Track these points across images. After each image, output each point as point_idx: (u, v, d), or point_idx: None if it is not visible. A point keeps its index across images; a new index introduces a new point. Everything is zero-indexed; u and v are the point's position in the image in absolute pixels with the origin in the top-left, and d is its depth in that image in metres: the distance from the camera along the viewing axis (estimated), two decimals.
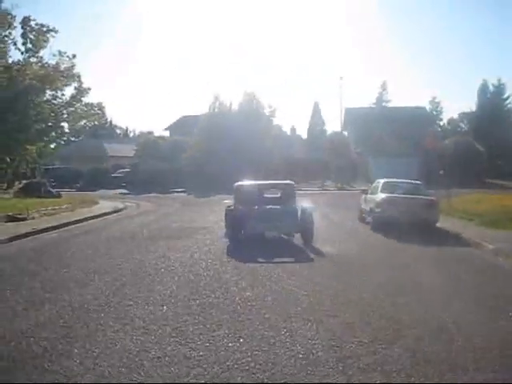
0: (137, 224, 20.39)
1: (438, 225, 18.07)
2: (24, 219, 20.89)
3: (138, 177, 51.42)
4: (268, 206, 15.97)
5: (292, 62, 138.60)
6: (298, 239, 15.21)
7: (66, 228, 19.22)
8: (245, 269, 10.77)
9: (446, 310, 7.66)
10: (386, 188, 19.48)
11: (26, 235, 16.75)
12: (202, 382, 5.17)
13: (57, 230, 18.46)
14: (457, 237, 16.19)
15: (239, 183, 17.62)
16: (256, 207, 15.78)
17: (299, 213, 15.34)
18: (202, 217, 22.73)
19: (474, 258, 13.06)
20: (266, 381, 5.15)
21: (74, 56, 26.87)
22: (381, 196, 18.78)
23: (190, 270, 10.54)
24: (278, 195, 17.63)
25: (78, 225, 20.41)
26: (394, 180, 21.02)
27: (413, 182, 21.29)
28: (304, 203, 16.35)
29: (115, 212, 26.12)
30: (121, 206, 29.20)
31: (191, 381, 5.16)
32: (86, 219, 22.11)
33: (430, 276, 10.32)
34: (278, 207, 16.02)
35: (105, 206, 28.67)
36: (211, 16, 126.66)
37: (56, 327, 6.87)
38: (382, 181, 20.32)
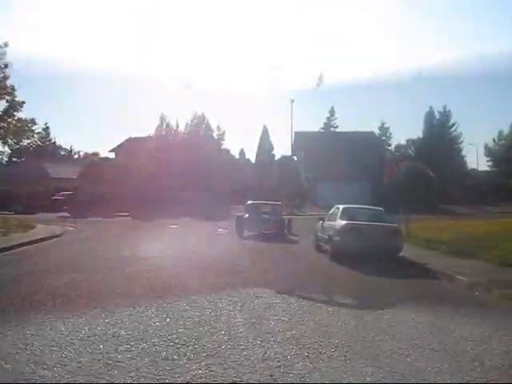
0: (73, 253, 18.47)
1: (400, 254, 16.89)
2: None
3: (81, 200, 49.24)
4: (263, 216, 26.72)
5: (240, 84, 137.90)
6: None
7: None
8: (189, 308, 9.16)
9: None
10: (345, 214, 18.16)
11: None
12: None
13: None
14: (424, 268, 15.02)
15: (249, 202, 28.37)
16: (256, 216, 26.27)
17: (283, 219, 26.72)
18: (146, 244, 21.03)
19: (449, 293, 11.75)
20: None
21: (7, 66, 24.88)
22: (340, 223, 17.47)
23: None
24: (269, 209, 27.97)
25: (5, 253, 18.28)
26: (354, 206, 19.84)
27: (374, 208, 20.08)
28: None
29: (51, 238, 23.95)
30: (59, 230, 27.07)
31: None
32: (17, 246, 20.01)
33: (408, 320, 8.72)
34: (268, 216, 26.68)
35: (41, 230, 26.56)
36: (159, 31, 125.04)
37: None
38: (341, 206, 19.00)
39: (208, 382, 5.19)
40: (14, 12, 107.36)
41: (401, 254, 16.97)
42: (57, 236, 24.91)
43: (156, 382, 5.20)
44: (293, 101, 63.78)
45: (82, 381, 5.12)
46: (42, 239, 22.75)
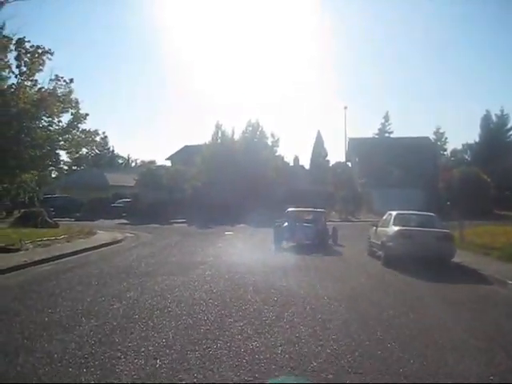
0: (134, 257, 19.23)
1: (453, 260, 16.98)
2: (17, 250, 19.92)
3: (139, 207, 50.57)
4: (305, 224, 24.03)
5: (295, 92, 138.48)
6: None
7: (59, 261, 18.17)
8: (251, 311, 9.66)
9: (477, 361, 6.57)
10: (398, 220, 18.38)
11: (15, 268, 15.79)
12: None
13: (49, 263, 17.42)
14: (476, 273, 15.11)
15: (290, 209, 25.73)
16: (297, 224, 23.71)
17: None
18: (203, 250, 21.68)
19: (499, 298, 11.95)
20: None
21: (72, 81, 25.81)
22: (393, 229, 17.67)
23: (188, 313, 9.42)
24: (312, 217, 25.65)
25: (72, 257, 19.31)
26: (407, 212, 19.96)
27: (426, 213, 20.18)
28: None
29: (113, 243, 25.02)
30: (119, 237, 28.11)
31: None
32: (81, 251, 21.03)
33: (456, 320, 9.17)
34: (311, 225, 23.98)
35: (103, 237, 27.63)
36: (214, 46, 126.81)
37: None
38: (393, 213, 19.20)
39: (208, 381, 5.15)
40: None
41: (454, 259, 16.98)
42: (118, 242, 25.91)
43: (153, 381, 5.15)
44: (346, 107, 63.98)
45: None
46: (103, 245, 23.79)
